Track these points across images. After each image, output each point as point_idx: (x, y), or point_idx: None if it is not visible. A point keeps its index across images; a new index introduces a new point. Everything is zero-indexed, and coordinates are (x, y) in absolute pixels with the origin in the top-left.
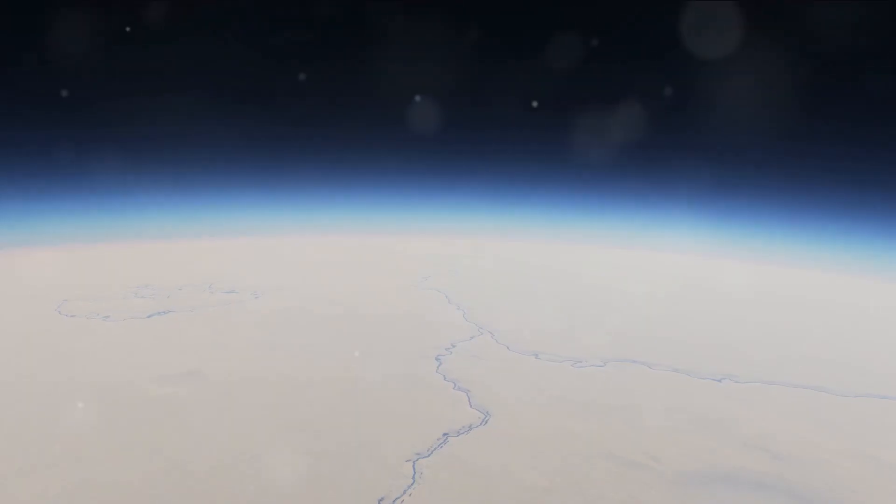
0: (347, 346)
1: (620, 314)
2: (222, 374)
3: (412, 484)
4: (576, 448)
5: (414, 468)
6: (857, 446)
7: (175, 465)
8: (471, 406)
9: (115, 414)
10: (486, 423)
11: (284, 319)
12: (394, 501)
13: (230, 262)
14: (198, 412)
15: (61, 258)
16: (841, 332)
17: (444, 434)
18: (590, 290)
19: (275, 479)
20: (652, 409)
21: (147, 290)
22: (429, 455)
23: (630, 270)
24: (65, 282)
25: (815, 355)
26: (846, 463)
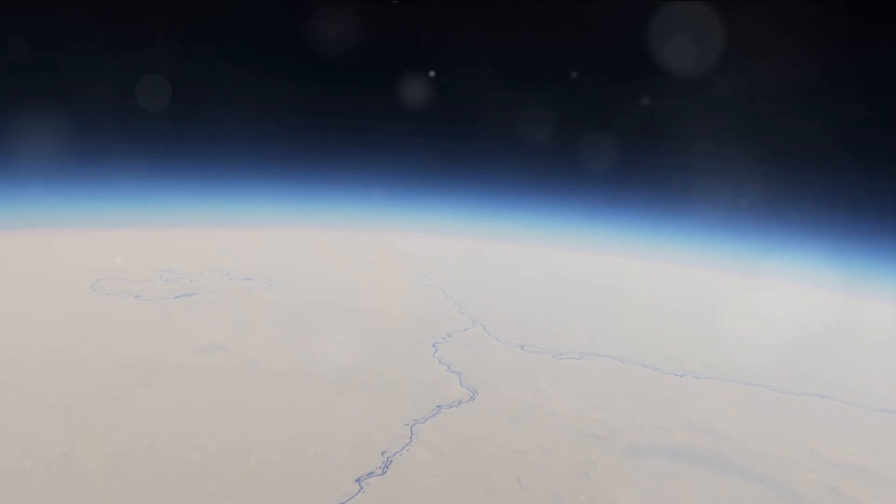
0: (353, 332)
1: (602, 314)
2: (245, 349)
3: (409, 442)
4: (547, 421)
5: (411, 431)
6: (789, 434)
7: (217, 421)
8: (461, 385)
9: (162, 377)
10: (474, 399)
11: (295, 306)
12: (394, 454)
13: (246, 251)
14: (230, 379)
15: (88, 241)
16: (798, 339)
17: (438, 406)
18: (575, 291)
19: (297, 434)
20: (617, 395)
21: (171, 274)
22: (424, 421)
23: (615, 276)
24: (94, 263)
25: (770, 359)
26: (777, 446)
